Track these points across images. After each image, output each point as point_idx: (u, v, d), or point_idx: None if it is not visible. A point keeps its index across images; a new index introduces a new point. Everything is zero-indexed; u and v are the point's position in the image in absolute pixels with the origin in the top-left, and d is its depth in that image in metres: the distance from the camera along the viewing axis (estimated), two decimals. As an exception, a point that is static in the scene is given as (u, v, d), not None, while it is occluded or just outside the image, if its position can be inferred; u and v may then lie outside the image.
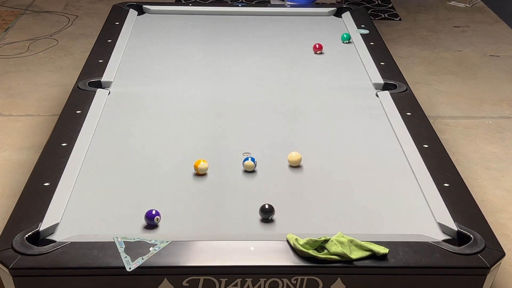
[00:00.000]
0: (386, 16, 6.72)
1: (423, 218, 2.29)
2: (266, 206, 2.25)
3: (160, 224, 2.23)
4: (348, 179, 2.53)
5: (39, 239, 2.10)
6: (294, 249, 2.04)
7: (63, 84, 5.03)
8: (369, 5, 6.98)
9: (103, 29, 3.95)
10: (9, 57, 5.55)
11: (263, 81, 3.38)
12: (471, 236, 2.13)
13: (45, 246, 2.04)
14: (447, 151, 2.75)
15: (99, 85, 3.21)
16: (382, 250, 2.02)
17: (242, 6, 4.51)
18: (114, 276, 2.00)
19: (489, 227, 2.22)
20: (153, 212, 2.19)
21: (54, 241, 2.08)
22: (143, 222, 2.23)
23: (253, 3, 6.60)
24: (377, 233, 2.19)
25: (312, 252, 2.01)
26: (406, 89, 3.23)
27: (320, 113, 3.05)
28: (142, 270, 1.97)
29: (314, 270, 2.01)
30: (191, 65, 3.54)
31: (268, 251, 2.05)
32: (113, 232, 2.15)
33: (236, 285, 2.01)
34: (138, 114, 2.99)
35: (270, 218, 2.25)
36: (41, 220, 2.17)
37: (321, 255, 2.01)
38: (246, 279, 2.01)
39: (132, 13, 4.19)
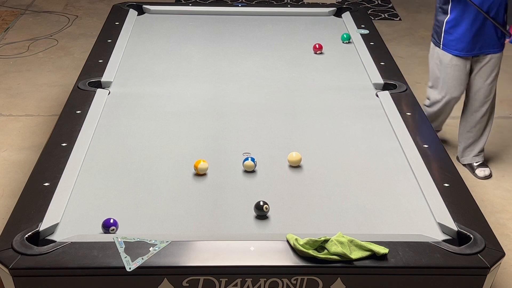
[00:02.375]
0: (386, 16, 6.72)
1: (423, 218, 2.29)
2: (260, 203, 2.25)
3: (160, 224, 2.23)
4: (348, 179, 2.53)
5: (39, 239, 2.10)
6: (294, 249, 2.04)
7: (63, 84, 5.03)
8: (369, 5, 6.98)
9: (103, 29, 3.95)
10: (9, 57, 5.55)
11: (263, 81, 3.38)
12: (471, 236, 2.13)
13: (45, 246, 2.04)
14: (447, 151, 2.75)
15: (99, 85, 3.21)
16: (382, 250, 2.02)
17: (242, 6, 4.51)
18: (114, 276, 2.00)
19: (489, 227, 2.22)
20: (111, 221, 2.16)
21: (54, 241, 2.07)
22: (144, 222, 2.23)
23: (253, 3, 6.60)
24: (377, 233, 2.19)
25: (312, 252, 2.01)
26: (406, 89, 3.23)
27: (320, 113, 3.05)
28: (142, 270, 1.97)
29: (314, 270, 2.01)
30: (191, 65, 3.54)
31: (268, 251, 2.05)
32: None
33: (236, 285, 2.01)
34: (138, 114, 2.99)
35: (266, 213, 2.25)
36: (41, 220, 2.17)
37: (321, 255, 2.01)
38: (246, 279, 2.01)
39: (132, 13, 4.19)
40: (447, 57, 3.76)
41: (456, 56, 3.74)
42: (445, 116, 4.06)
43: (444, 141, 4.28)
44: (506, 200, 3.76)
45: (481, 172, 3.98)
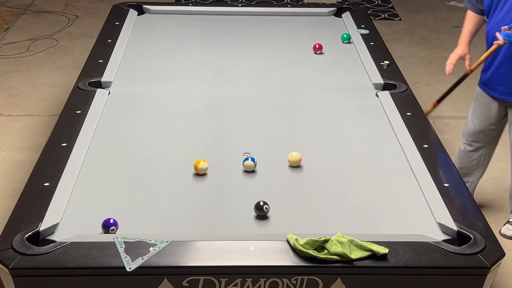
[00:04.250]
0: (386, 16, 6.73)
1: (423, 218, 2.29)
2: (261, 203, 2.25)
3: (160, 224, 2.23)
4: (348, 179, 2.53)
5: (39, 239, 2.10)
6: (294, 249, 2.04)
7: (63, 84, 5.03)
8: (369, 5, 6.98)
9: (103, 29, 3.95)
10: (9, 57, 5.55)
11: (263, 81, 3.38)
12: (471, 236, 2.13)
13: (45, 246, 2.04)
14: (447, 151, 2.75)
15: (99, 85, 3.21)
16: (382, 250, 2.02)
17: (242, 6, 4.51)
18: (114, 276, 2.00)
19: (489, 227, 2.22)
20: (111, 221, 2.16)
21: (54, 241, 2.07)
22: (144, 222, 2.23)
23: (253, 3, 6.60)
24: (377, 233, 2.19)
25: (312, 252, 2.01)
26: (406, 89, 3.23)
27: (320, 113, 3.05)
28: (142, 270, 1.97)
29: (314, 270, 2.01)
30: (191, 65, 3.54)
31: (268, 251, 2.05)
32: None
33: (236, 285, 2.01)
34: (138, 114, 2.99)
35: (266, 213, 2.25)
36: (41, 220, 2.17)
37: (321, 255, 2.01)
38: (246, 279, 2.01)
39: (132, 13, 4.19)
40: None
41: None
42: None
43: (444, 141, 4.28)
44: (506, 200, 3.76)
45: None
